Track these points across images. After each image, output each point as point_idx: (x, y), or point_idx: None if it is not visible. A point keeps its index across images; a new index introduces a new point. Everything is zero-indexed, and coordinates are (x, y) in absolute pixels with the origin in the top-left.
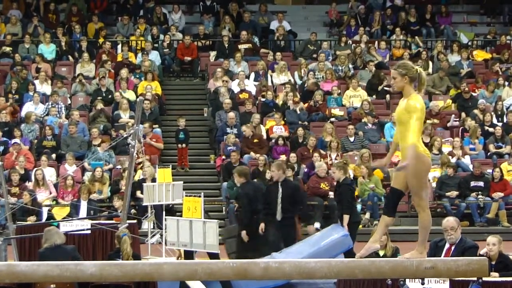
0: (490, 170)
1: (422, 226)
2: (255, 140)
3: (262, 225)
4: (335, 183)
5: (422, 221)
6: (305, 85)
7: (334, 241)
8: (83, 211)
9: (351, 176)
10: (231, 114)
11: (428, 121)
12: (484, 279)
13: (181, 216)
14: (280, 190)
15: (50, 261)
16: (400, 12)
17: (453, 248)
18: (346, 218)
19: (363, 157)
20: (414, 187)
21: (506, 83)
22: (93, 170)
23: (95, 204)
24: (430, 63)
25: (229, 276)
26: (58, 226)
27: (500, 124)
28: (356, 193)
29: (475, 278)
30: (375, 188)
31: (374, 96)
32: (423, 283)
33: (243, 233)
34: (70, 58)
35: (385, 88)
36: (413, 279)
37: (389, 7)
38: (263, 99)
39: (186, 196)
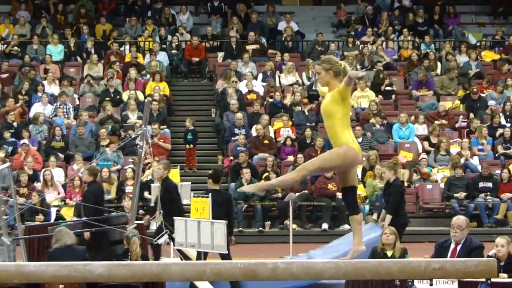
0: (498, 171)
1: (283, 178)
2: (265, 141)
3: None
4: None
5: (279, 183)
6: (313, 86)
7: (371, 240)
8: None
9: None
10: (239, 115)
11: (436, 122)
12: (493, 280)
13: (189, 216)
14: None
15: (60, 261)
16: (408, 13)
17: (459, 248)
18: (388, 218)
19: (370, 158)
20: (319, 158)
21: None
22: (100, 170)
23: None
24: (439, 63)
25: (237, 276)
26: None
27: (508, 125)
28: (364, 193)
29: (483, 279)
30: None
31: (381, 97)
32: (431, 284)
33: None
34: (78, 59)
35: (387, 88)
36: (421, 280)
37: (397, 7)
38: (271, 100)
39: (194, 196)
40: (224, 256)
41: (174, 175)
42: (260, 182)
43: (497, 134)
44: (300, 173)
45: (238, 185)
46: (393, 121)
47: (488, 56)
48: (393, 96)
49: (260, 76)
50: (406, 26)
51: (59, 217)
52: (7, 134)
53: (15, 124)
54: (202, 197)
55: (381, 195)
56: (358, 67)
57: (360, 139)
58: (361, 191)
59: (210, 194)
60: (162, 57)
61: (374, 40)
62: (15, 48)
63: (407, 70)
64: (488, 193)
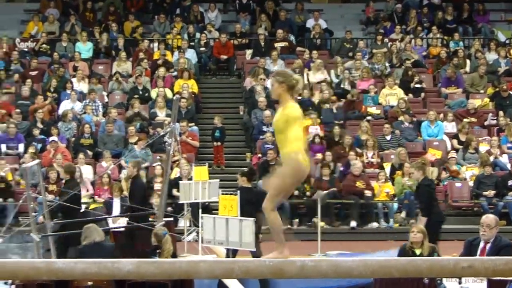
0: None
1: (273, 228)
2: None
3: None
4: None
5: (270, 224)
6: (341, 84)
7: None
8: (116, 209)
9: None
10: (267, 112)
11: (465, 120)
12: None
13: (217, 214)
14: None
15: (88, 258)
16: (437, 10)
17: (488, 246)
18: (423, 220)
19: (400, 155)
20: (274, 188)
21: None
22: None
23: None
24: (468, 61)
25: (265, 274)
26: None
27: None
28: (393, 191)
29: None
30: (413, 186)
31: (410, 95)
32: (460, 283)
33: None
34: (107, 56)
35: (416, 85)
36: (450, 279)
37: (426, 5)
38: (299, 98)
39: (222, 194)
40: (254, 254)
41: (202, 172)
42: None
43: None
44: (269, 210)
45: None
46: (421, 119)
47: None
48: (422, 94)
49: None
50: (435, 23)
51: None
52: (36, 131)
53: (42, 121)
54: (230, 194)
55: (409, 193)
56: (387, 64)
57: (388, 137)
58: (389, 188)
59: (238, 191)
60: (191, 54)
61: (402, 38)
62: (44, 45)
63: (435, 68)
64: None
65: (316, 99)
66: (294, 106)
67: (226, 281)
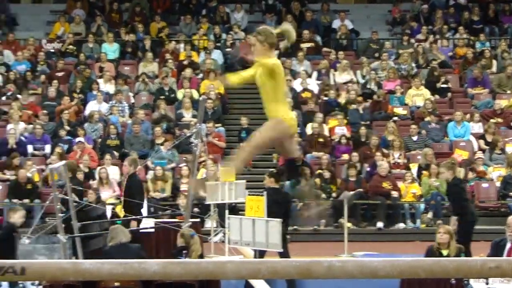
0: None
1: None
2: (320, 140)
3: None
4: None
5: (238, 154)
6: (368, 84)
7: None
8: (143, 210)
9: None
10: (294, 113)
11: (491, 120)
12: None
13: (244, 215)
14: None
15: (115, 259)
16: (463, 10)
17: None
18: (453, 219)
19: (426, 155)
20: (252, 138)
21: None
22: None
23: (157, 203)
24: (494, 61)
25: (292, 275)
26: (122, 224)
27: None
28: (420, 192)
29: None
30: (440, 187)
31: (437, 95)
32: (487, 283)
33: None
34: (133, 57)
35: (443, 85)
36: (477, 279)
37: (452, 5)
38: (325, 98)
39: (249, 195)
40: (281, 255)
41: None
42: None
43: None
44: (243, 153)
45: (293, 183)
46: (448, 119)
47: None
48: (449, 94)
49: (315, 74)
50: (461, 24)
51: (114, 215)
52: (62, 132)
53: (69, 122)
54: (257, 195)
55: (436, 194)
56: (413, 65)
57: (415, 138)
58: (416, 189)
59: (265, 192)
60: (217, 55)
61: (426, 38)
62: (71, 46)
63: (462, 68)
64: None
65: (342, 99)
66: (277, 60)
67: (253, 282)
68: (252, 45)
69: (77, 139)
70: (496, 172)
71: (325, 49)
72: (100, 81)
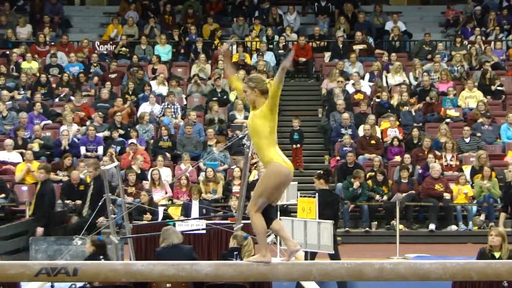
0: None
1: (256, 230)
2: (372, 141)
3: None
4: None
5: (253, 226)
6: (420, 86)
7: None
8: (194, 211)
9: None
10: (346, 115)
11: None
12: None
13: (295, 216)
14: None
15: (167, 260)
16: None
17: None
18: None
19: (480, 158)
20: (256, 190)
21: None
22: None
23: (209, 204)
24: None
25: (344, 276)
26: (174, 226)
27: None
28: (472, 193)
29: None
30: (491, 188)
31: (489, 97)
32: None
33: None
34: (186, 59)
35: (498, 88)
36: None
37: (506, 7)
38: (378, 100)
39: (300, 196)
40: (332, 257)
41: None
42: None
43: None
44: (253, 212)
45: (346, 185)
46: (501, 121)
47: None
48: (502, 96)
49: (367, 76)
50: None
51: (167, 216)
52: (115, 134)
53: (121, 124)
54: (309, 197)
55: (488, 196)
56: (466, 66)
57: (467, 140)
58: (468, 190)
59: (316, 194)
60: (269, 57)
61: (476, 40)
62: (124, 48)
63: None
64: None
65: (394, 101)
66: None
67: (304, 283)
68: (244, 92)
69: (130, 141)
70: None
71: (377, 51)
72: (153, 82)
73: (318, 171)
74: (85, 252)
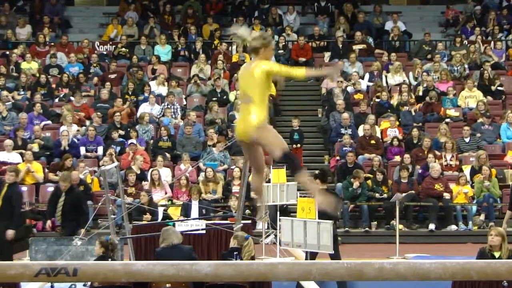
0: None
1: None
2: (372, 141)
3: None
4: None
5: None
6: (420, 86)
7: None
8: (194, 211)
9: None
10: (345, 115)
11: None
12: None
13: (295, 216)
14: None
15: (166, 260)
16: None
17: None
18: (508, 214)
19: (480, 158)
20: (272, 136)
21: None
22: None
23: (209, 204)
24: None
25: (344, 276)
26: (173, 226)
27: None
28: (472, 193)
29: None
30: (491, 187)
31: (490, 97)
32: None
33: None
34: (186, 59)
35: (498, 88)
36: None
37: (506, 7)
38: (377, 100)
39: (300, 196)
40: (332, 257)
41: (281, 175)
42: None
43: None
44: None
45: (346, 185)
46: (501, 121)
47: None
48: (503, 96)
49: (367, 76)
50: None
51: (166, 217)
52: (115, 134)
53: (121, 124)
54: (309, 197)
55: (488, 196)
56: (466, 66)
57: (467, 139)
58: (467, 189)
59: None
60: None
61: (477, 40)
62: (123, 48)
63: None
64: None
65: (394, 101)
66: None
67: (304, 283)
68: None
69: (130, 141)
70: None
71: (377, 50)
72: (153, 83)
73: (315, 172)
74: (84, 252)
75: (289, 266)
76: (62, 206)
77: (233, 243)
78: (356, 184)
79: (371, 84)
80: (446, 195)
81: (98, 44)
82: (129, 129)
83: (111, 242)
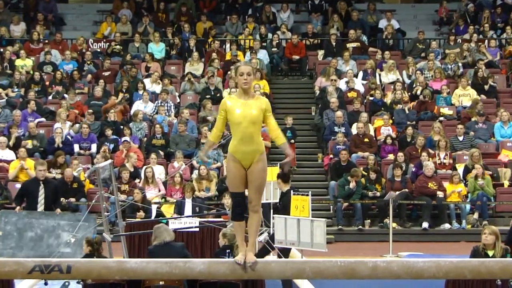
0: None
1: (256, 227)
2: (365, 139)
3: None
4: None
5: (257, 222)
6: (414, 84)
7: None
8: (188, 209)
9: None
10: (339, 113)
11: None
12: None
13: (288, 214)
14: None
15: (159, 258)
16: (510, 10)
17: None
18: None
19: (473, 156)
20: (262, 184)
21: None
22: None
23: (202, 202)
24: None
25: (337, 275)
26: (167, 224)
27: None
28: (465, 192)
29: None
30: (484, 186)
31: (483, 96)
32: None
33: None
34: (179, 57)
35: (492, 84)
36: None
37: (500, 5)
38: (371, 98)
39: (294, 194)
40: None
41: (274, 173)
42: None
43: None
44: (259, 207)
45: (342, 183)
46: (494, 119)
47: None
48: (497, 95)
49: (361, 74)
50: (508, 23)
51: (160, 214)
52: (108, 132)
53: (115, 122)
54: (302, 195)
55: (482, 194)
56: (460, 64)
57: (461, 138)
58: (461, 188)
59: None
60: (263, 55)
61: (473, 38)
62: (117, 46)
63: (509, 68)
64: None
65: (388, 99)
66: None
67: (297, 281)
68: (248, 75)
69: (123, 139)
70: None
71: (371, 49)
72: (146, 80)
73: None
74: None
75: (283, 264)
76: (44, 198)
77: (223, 241)
78: (352, 184)
79: (364, 82)
80: (440, 194)
81: (92, 42)
82: (122, 127)
83: (96, 241)
